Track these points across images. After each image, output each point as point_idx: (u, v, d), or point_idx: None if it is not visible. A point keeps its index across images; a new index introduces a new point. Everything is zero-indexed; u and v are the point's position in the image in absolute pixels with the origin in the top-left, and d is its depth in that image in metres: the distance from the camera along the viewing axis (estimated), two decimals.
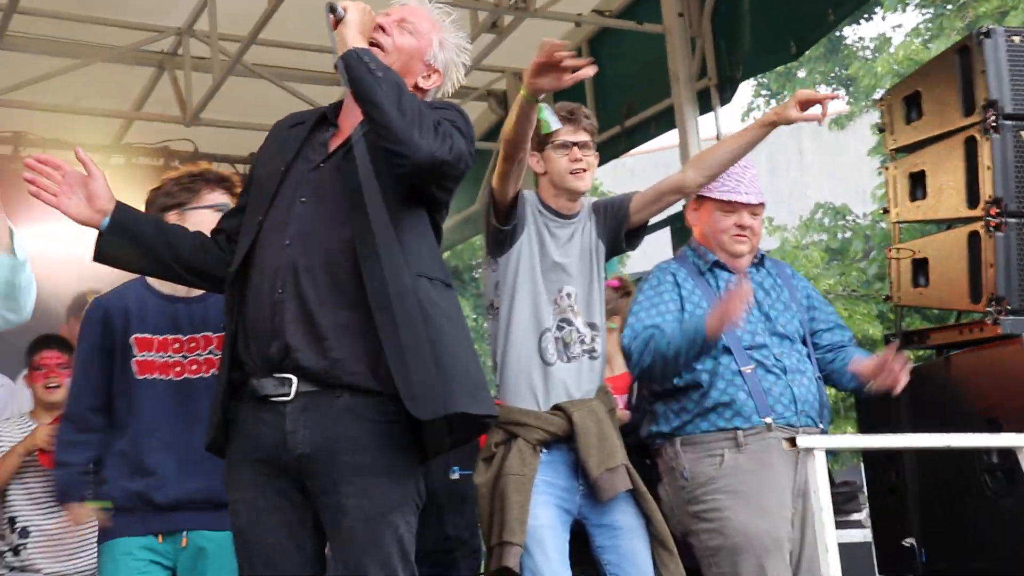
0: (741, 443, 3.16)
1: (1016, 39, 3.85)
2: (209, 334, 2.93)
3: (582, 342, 3.13)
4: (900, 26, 22.67)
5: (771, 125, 3.18)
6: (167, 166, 6.23)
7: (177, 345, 2.94)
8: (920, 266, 4.17)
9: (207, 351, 2.92)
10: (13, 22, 5.32)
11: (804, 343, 3.35)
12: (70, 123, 6.16)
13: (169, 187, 3.04)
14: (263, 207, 2.46)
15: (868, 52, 16.08)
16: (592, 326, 3.16)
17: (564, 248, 3.18)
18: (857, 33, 16.83)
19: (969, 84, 3.91)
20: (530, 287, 3.13)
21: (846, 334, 3.46)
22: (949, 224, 4.18)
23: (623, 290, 3.96)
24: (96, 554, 2.96)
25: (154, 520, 2.87)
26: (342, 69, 2.35)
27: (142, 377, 2.91)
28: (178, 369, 2.93)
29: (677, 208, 3.55)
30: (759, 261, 3.44)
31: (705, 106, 5.69)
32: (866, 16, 14.97)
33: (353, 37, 2.39)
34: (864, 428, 4.39)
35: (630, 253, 3.57)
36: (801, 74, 16.23)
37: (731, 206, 3.33)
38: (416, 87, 2.53)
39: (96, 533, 2.99)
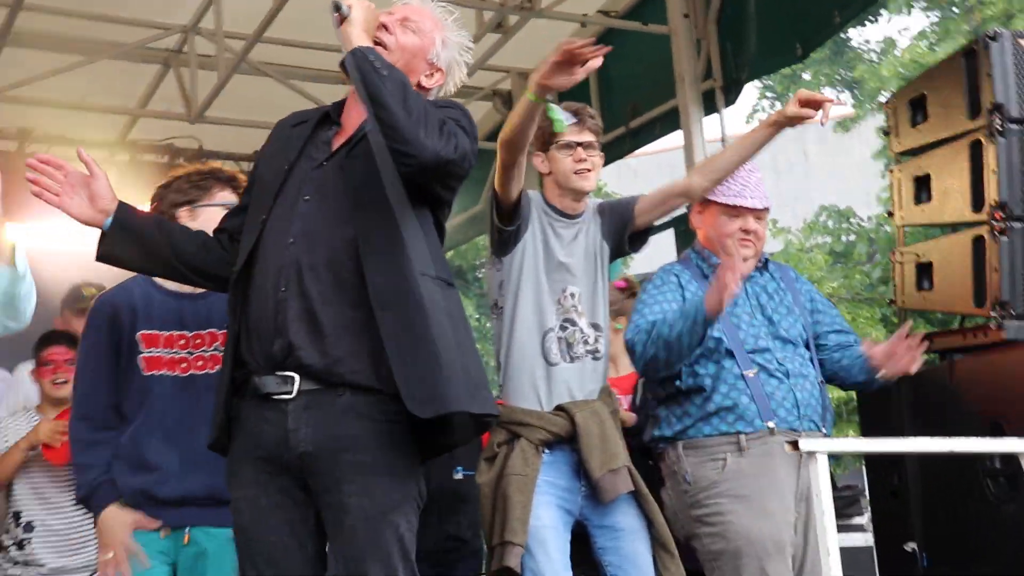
0: (743, 447, 3.16)
1: (1023, 42, 3.84)
2: (214, 330, 2.93)
3: (585, 342, 3.13)
4: (906, 29, 22.69)
5: (775, 125, 3.18)
6: (172, 163, 6.24)
7: (183, 341, 2.94)
8: (924, 270, 4.16)
9: (212, 347, 2.92)
10: (19, 19, 5.32)
11: (807, 347, 3.35)
12: (75, 120, 6.16)
13: (180, 184, 3.04)
14: (266, 206, 2.46)
15: (873, 55, 16.07)
16: (596, 327, 3.16)
17: (568, 248, 3.18)
18: (863, 35, 16.85)
19: (975, 87, 3.90)
20: (534, 287, 3.13)
21: (851, 336, 3.45)
22: (954, 228, 4.17)
23: (629, 291, 3.96)
24: (99, 549, 2.94)
25: (158, 516, 2.86)
26: (350, 67, 2.35)
27: (149, 373, 2.90)
28: (184, 365, 2.93)
29: (681, 211, 3.54)
30: (763, 265, 3.43)
31: (710, 107, 5.69)
32: (871, 18, 14.97)
33: (358, 35, 2.39)
34: (866, 431, 4.38)
35: (634, 256, 3.57)
36: (806, 76, 16.23)
37: (736, 210, 3.32)
38: (419, 86, 2.53)
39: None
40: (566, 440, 3.04)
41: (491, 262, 3.25)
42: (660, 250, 3.74)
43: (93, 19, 5.68)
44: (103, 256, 2.55)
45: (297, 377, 2.34)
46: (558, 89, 2.68)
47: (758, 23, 5.40)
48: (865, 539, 5.56)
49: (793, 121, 3.16)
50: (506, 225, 3.10)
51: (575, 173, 3.18)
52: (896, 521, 4.09)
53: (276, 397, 2.36)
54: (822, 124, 3.18)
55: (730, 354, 3.22)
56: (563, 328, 3.12)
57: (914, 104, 4.23)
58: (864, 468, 4.93)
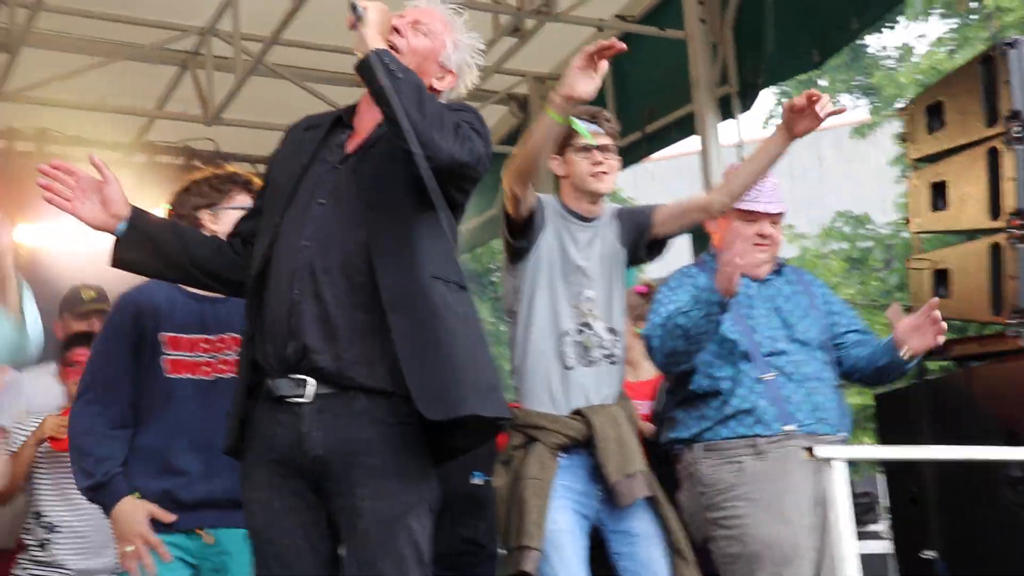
0: (762, 450, 3.14)
1: None
2: (235, 335, 2.93)
3: (602, 346, 3.12)
4: (923, 35, 22.61)
5: (784, 138, 3.12)
6: (188, 165, 6.26)
7: (206, 345, 2.94)
8: (941, 277, 4.15)
9: (234, 351, 2.91)
10: (39, 20, 5.34)
11: (824, 350, 3.33)
12: (93, 121, 6.19)
13: (201, 187, 3.05)
14: (280, 209, 2.46)
15: (891, 61, 16.03)
16: (612, 331, 3.15)
17: (585, 251, 3.17)
18: (880, 42, 16.78)
19: (992, 94, 3.89)
20: (550, 290, 3.12)
21: (870, 336, 3.43)
22: (971, 235, 4.15)
23: (650, 296, 3.95)
24: (116, 542, 2.92)
25: (180, 518, 2.85)
26: (365, 70, 2.35)
27: (174, 376, 2.90)
28: (206, 368, 2.93)
29: None
30: (778, 269, 3.43)
31: (726, 113, 5.68)
32: (889, 25, 14.91)
33: (372, 38, 2.38)
34: (883, 438, 4.36)
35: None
36: (823, 82, 16.18)
37: (752, 215, 3.32)
38: (430, 88, 2.53)
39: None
40: (583, 444, 3.04)
41: (506, 267, 3.25)
42: (676, 254, 3.73)
43: (111, 20, 5.71)
44: (117, 262, 2.55)
45: (310, 380, 2.34)
46: (585, 98, 2.67)
47: (775, 29, 5.38)
48: (881, 546, 5.53)
49: (797, 133, 3.07)
50: (519, 239, 3.10)
51: (592, 176, 3.18)
52: (914, 528, 4.07)
53: (289, 400, 2.35)
54: (827, 114, 3.05)
55: (747, 357, 3.21)
56: (579, 332, 3.11)
57: (931, 111, 4.21)
58: (880, 476, 4.92)
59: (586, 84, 2.62)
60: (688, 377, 3.27)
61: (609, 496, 3.03)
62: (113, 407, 2.88)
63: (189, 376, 2.91)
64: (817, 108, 3.00)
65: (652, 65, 5.99)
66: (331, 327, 2.34)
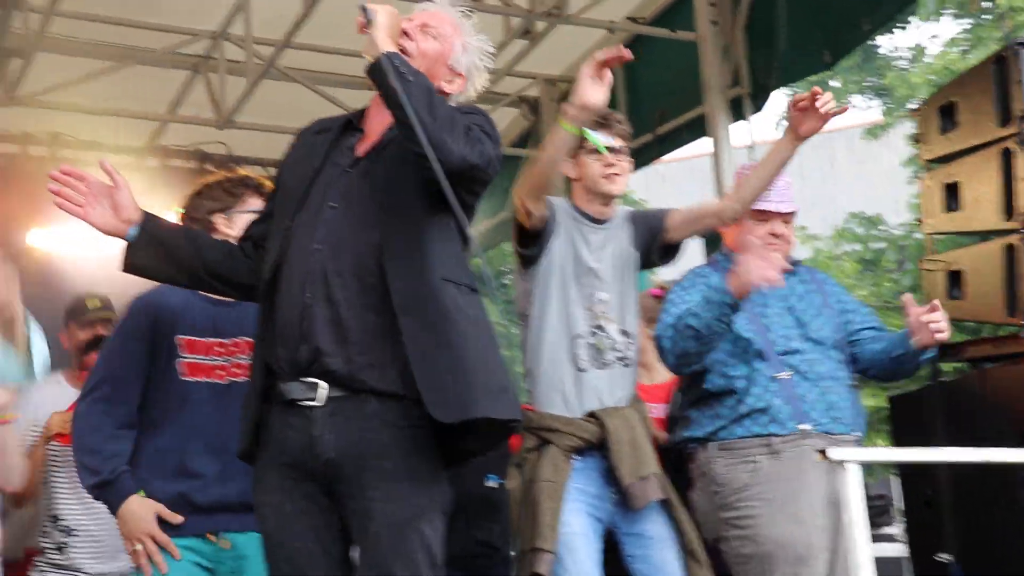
0: (777, 449, 3.14)
1: None
2: (249, 338, 2.93)
3: (615, 349, 3.12)
4: (936, 36, 22.53)
5: (792, 140, 3.10)
6: (200, 169, 6.27)
7: (221, 348, 2.94)
8: (955, 278, 4.13)
9: (248, 355, 2.92)
10: (52, 25, 5.36)
11: (838, 349, 3.32)
12: (106, 125, 6.21)
13: (215, 191, 3.05)
14: (291, 213, 2.46)
15: (903, 62, 15.98)
16: (625, 333, 3.15)
17: (597, 254, 3.17)
18: (892, 42, 16.74)
19: (1005, 95, 3.87)
20: (563, 293, 3.12)
21: (886, 331, 3.41)
22: (984, 236, 4.13)
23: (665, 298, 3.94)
24: (124, 540, 2.90)
25: (196, 521, 2.85)
26: (376, 73, 2.35)
27: (190, 379, 2.90)
28: (221, 372, 2.93)
29: None
30: (791, 268, 3.41)
31: (738, 114, 5.66)
32: (901, 25, 14.87)
33: (383, 41, 2.38)
34: (898, 441, 4.35)
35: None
36: (835, 83, 16.13)
37: (764, 215, 3.31)
38: (440, 91, 2.52)
39: None
40: (596, 447, 3.03)
41: (518, 271, 3.25)
42: (688, 255, 3.71)
43: (123, 25, 5.72)
44: (128, 267, 2.55)
45: (322, 383, 2.34)
46: (598, 107, 2.71)
47: (787, 30, 5.37)
48: (895, 549, 5.52)
49: (802, 134, 3.05)
50: (530, 248, 3.11)
51: (604, 177, 3.18)
52: (929, 531, 4.06)
53: (301, 403, 2.36)
54: (831, 113, 3.02)
55: (761, 356, 3.21)
56: (592, 334, 3.11)
57: (944, 111, 4.20)
58: (894, 478, 4.90)
59: (597, 93, 2.66)
60: (702, 376, 3.26)
61: (623, 499, 3.03)
62: (121, 407, 2.88)
63: (204, 379, 2.91)
64: (818, 105, 2.98)
65: (663, 67, 5.98)
66: (343, 330, 2.34)
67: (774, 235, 3.32)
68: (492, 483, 4.11)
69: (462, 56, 2.57)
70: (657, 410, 3.83)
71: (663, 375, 3.87)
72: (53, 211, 2.56)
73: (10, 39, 5.27)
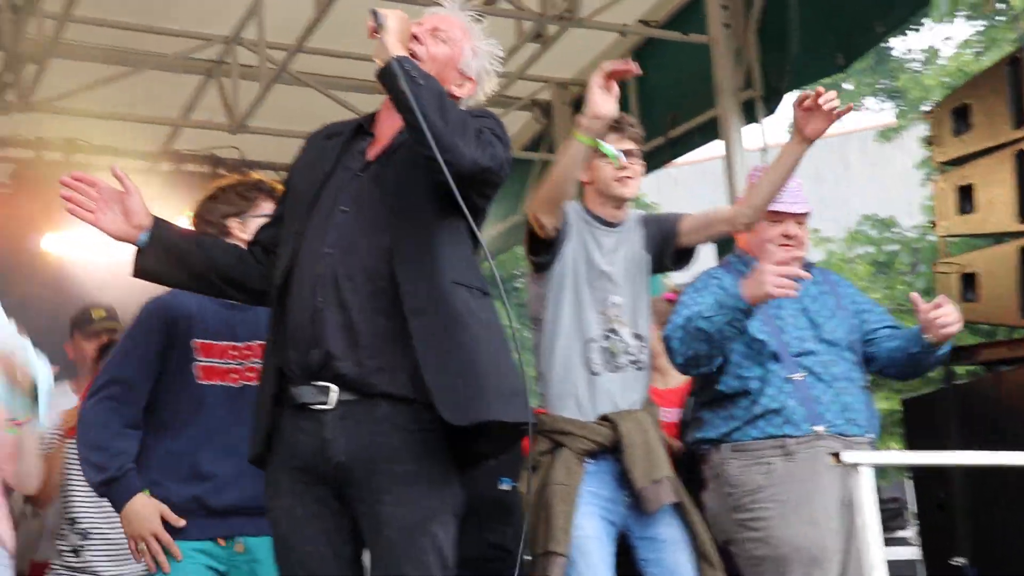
0: (791, 451, 3.12)
1: None
2: (263, 342, 2.93)
3: (628, 352, 3.12)
4: (949, 38, 22.45)
5: (800, 143, 3.09)
6: (213, 173, 6.29)
7: (234, 352, 2.95)
8: (969, 281, 4.12)
9: (260, 359, 2.92)
10: (65, 30, 5.39)
11: (852, 351, 3.31)
12: (119, 130, 6.24)
13: (229, 195, 3.06)
14: (302, 217, 2.47)
15: (916, 64, 15.94)
16: (638, 336, 3.15)
17: (610, 257, 3.17)
18: (905, 45, 16.70)
19: (1019, 96, 3.86)
20: (575, 297, 3.12)
21: (902, 328, 3.39)
22: (998, 238, 4.12)
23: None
24: (128, 539, 2.87)
25: (210, 525, 2.86)
26: (387, 77, 2.35)
27: (206, 383, 2.91)
28: (234, 376, 2.94)
29: None
30: (805, 269, 3.40)
31: (750, 117, 5.65)
32: (914, 27, 14.83)
33: (393, 45, 2.39)
34: (911, 443, 4.33)
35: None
36: (848, 86, 16.10)
37: (778, 216, 3.30)
38: (450, 95, 2.53)
39: None
40: (609, 450, 3.03)
41: (531, 276, 3.25)
42: (700, 257, 3.72)
43: (136, 31, 5.74)
44: (139, 272, 2.56)
45: (333, 387, 2.35)
46: (611, 117, 2.77)
47: (799, 32, 5.35)
48: (909, 552, 5.49)
49: (809, 136, 3.04)
50: (542, 255, 3.11)
51: (616, 180, 3.18)
52: (943, 535, 4.04)
53: (312, 407, 2.36)
54: (835, 112, 3.00)
55: (775, 357, 3.20)
56: (606, 337, 3.11)
57: (957, 113, 4.19)
58: (908, 481, 4.88)
59: (608, 103, 2.72)
60: (716, 378, 3.25)
61: (636, 502, 3.02)
62: (128, 407, 2.88)
63: (219, 383, 2.92)
64: (822, 103, 2.96)
65: (675, 70, 5.98)
66: (354, 334, 2.34)
67: (788, 236, 3.31)
68: (505, 486, 4.11)
69: (472, 60, 2.58)
70: (671, 415, 3.82)
71: (677, 379, 3.87)
72: (67, 216, 2.57)
73: (25, 45, 5.29)
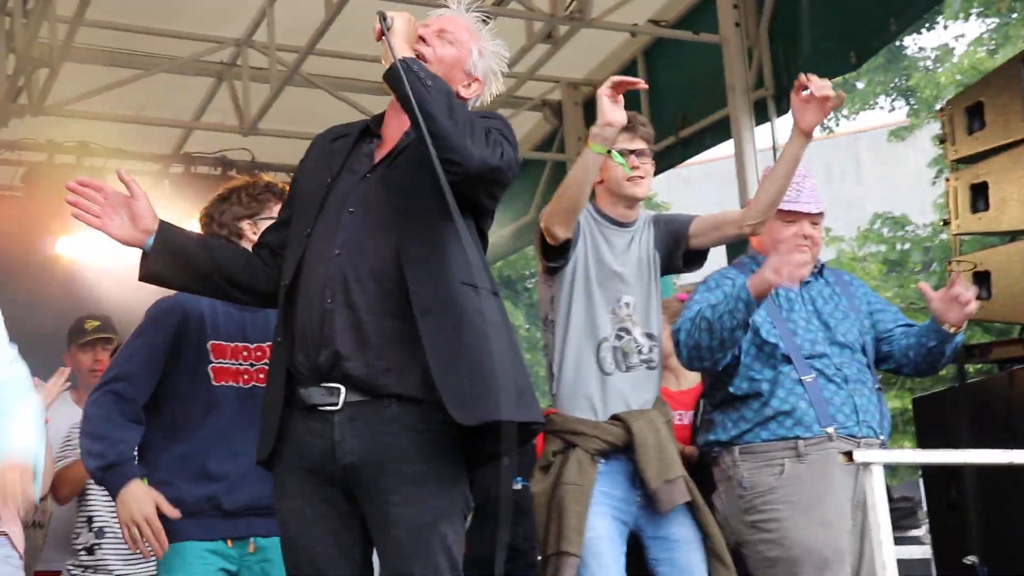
0: (802, 453, 3.12)
1: None
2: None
3: (640, 352, 3.12)
4: (962, 36, 22.32)
5: (799, 136, 3.10)
6: (225, 175, 6.31)
7: (245, 353, 2.97)
8: (982, 279, 4.10)
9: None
10: (77, 34, 5.41)
11: (863, 353, 3.30)
12: (131, 133, 6.25)
13: (242, 197, 3.07)
14: (310, 219, 2.47)
15: (929, 62, 15.88)
16: (650, 336, 3.15)
17: (622, 257, 3.17)
18: (918, 43, 16.64)
19: None
20: (587, 297, 3.12)
21: (916, 326, 3.38)
22: (1012, 236, 4.11)
23: None
24: (122, 525, 2.86)
25: (222, 525, 2.88)
26: (394, 79, 2.36)
27: (219, 384, 2.92)
28: (246, 377, 2.95)
29: None
30: (818, 270, 3.40)
31: (761, 117, 5.63)
32: (927, 26, 14.78)
33: (400, 47, 2.39)
34: (923, 442, 4.32)
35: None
36: (860, 85, 16.07)
37: (792, 216, 3.29)
38: (457, 96, 2.53)
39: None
40: (622, 450, 3.03)
41: (542, 278, 3.25)
42: (711, 259, 3.71)
43: (148, 34, 5.76)
44: (146, 276, 2.58)
45: (343, 388, 2.35)
46: (622, 124, 2.86)
47: (811, 31, 5.34)
48: (922, 551, 5.48)
49: (805, 128, 3.05)
50: (555, 260, 3.11)
51: (628, 180, 3.18)
52: (955, 534, 4.03)
53: (322, 409, 2.36)
54: (830, 104, 3.02)
55: (787, 359, 3.19)
56: (618, 337, 3.11)
57: (971, 111, 4.18)
58: (920, 480, 4.87)
59: (618, 112, 2.80)
60: (727, 379, 3.25)
61: (649, 502, 3.02)
62: (130, 402, 2.89)
63: (232, 384, 2.94)
64: (811, 87, 2.98)
65: (686, 69, 5.97)
66: (363, 335, 2.34)
67: (802, 236, 3.30)
68: (518, 486, 4.11)
69: (478, 61, 2.58)
70: (683, 416, 3.82)
71: (690, 381, 3.86)
72: (73, 220, 2.58)
73: (37, 49, 5.31)
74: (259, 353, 2.97)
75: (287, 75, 5.78)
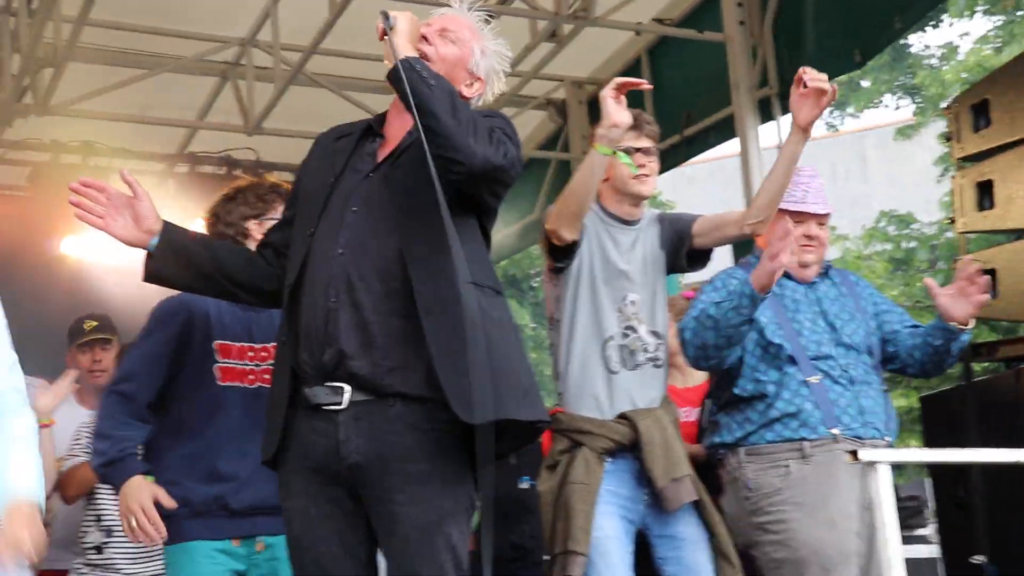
0: (807, 454, 3.11)
1: None
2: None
3: (646, 350, 3.12)
4: (967, 34, 22.31)
5: (798, 133, 3.09)
6: (229, 175, 6.31)
7: (251, 353, 2.97)
8: (989, 277, 4.09)
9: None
10: (82, 34, 5.41)
11: (870, 354, 3.29)
12: (136, 133, 6.26)
13: (248, 197, 3.08)
14: (313, 219, 2.47)
15: (934, 60, 15.86)
16: (656, 334, 3.15)
17: (627, 255, 3.17)
18: (923, 41, 16.60)
19: None
20: (593, 295, 3.12)
21: (922, 327, 3.37)
22: (1018, 234, 4.10)
23: None
24: (121, 517, 2.89)
25: (230, 525, 2.88)
26: (397, 78, 2.35)
27: (225, 384, 2.93)
28: (251, 377, 2.96)
29: None
30: (825, 271, 3.39)
31: (766, 115, 5.62)
32: (933, 23, 14.76)
33: (403, 46, 2.39)
34: (930, 441, 4.31)
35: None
36: (865, 83, 16.05)
37: (799, 216, 3.29)
38: (459, 95, 2.53)
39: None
40: (628, 448, 3.03)
41: (548, 277, 3.25)
42: (717, 259, 3.71)
43: (153, 34, 5.77)
44: (150, 276, 2.58)
45: (347, 388, 2.35)
46: (627, 125, 2.88)
47: (816, 29, 5.33)
48: (929, 551, 5.47)
49: (802, 124, 3.03)
50: (561, 260, 3.11)
51: (634, 178, 3.17)
52: (962, 533, 4.02)
53: (326, 408, 2.36)
54: (826, 98, 3.01)
55: (792, 360, 3.18)
56: (624, 336, 3.11)
57: (976, 109, 4.17)
58: (926, 479, 4.86)
59: (622, 113, 2.82)
60: (732, 381, 3.24)
61: (656, 500, 3.02)
62: (135, 402, 2.91)
63: (237, 384, 2.94)
64: (807, 80, 2.98)
65: (690, 68, 5.96)
66: (368, 334, 2.34)
67: (809, 237, 3.30)
68: (524, 484, 4.11)
69: (481, 60, 2.58)
70: (690, 414, 3.81)
71: (696, 378, 3.86)
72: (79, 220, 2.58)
73: (42, 49, 5.32)
74: (264, 353, 2.97)
75: (291, 74, 5.78)
